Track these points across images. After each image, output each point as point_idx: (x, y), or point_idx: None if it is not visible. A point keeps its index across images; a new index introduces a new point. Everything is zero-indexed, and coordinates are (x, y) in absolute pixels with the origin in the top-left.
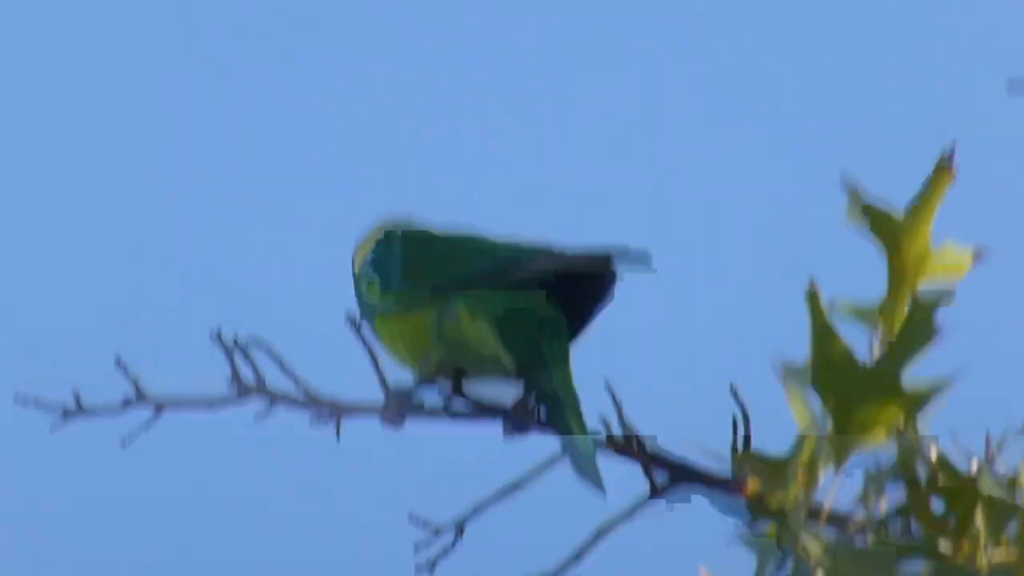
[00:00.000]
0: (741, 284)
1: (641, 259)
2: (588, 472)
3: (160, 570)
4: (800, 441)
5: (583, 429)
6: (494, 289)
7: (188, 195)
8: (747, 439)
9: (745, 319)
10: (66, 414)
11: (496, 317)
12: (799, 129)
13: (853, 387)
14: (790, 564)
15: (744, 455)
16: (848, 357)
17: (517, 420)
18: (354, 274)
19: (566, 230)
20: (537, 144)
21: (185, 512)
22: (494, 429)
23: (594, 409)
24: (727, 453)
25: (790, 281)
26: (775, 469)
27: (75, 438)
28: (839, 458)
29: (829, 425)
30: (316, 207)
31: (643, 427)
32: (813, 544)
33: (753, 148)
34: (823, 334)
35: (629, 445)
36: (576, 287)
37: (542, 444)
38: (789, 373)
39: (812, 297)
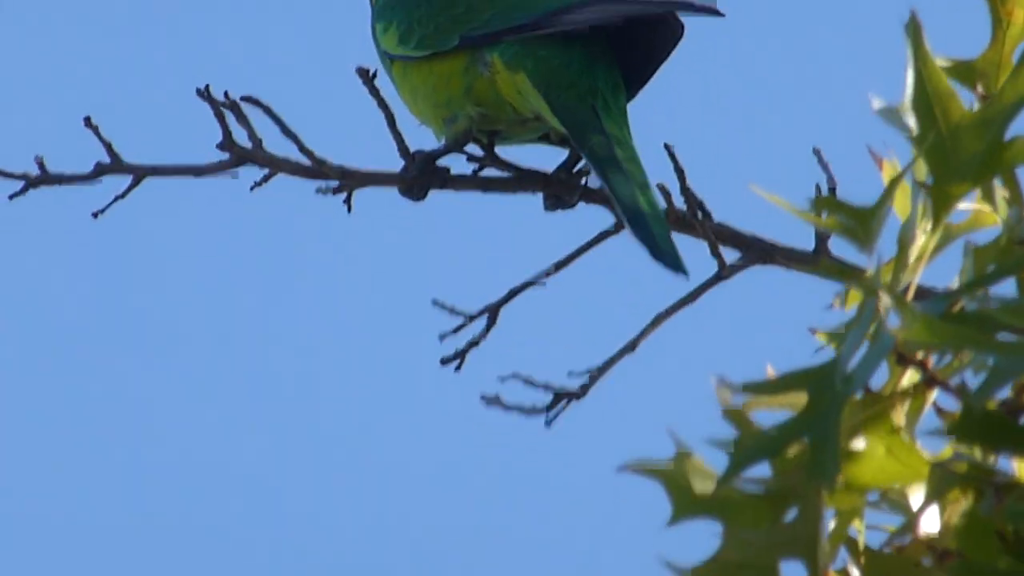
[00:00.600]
0: (822, 39)
1: (708, 7)
2: (662, 249)
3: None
4: (890, 187)
5: (651, 199)
6: (537, 39)
7: None
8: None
9: (828, 79)
10: (29, 183)
11: (541, 71)
12: None
13: (954, 130)
14: (872, 338)
15: (823, 199)
16: (950, 94)
17: (561, 189)
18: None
19: None
20: None
21: (168, 296)
22: (533, 201)
23: (651, 178)
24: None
25: (875, 43)
26: (861, 218)
27: (39, 209)
28: (937, 213)
29: (924, 172)
30: None
31: (710, 199)
32: (899, 306)
33: None
34: (924, 67)
35: (693, 218)
36: (634, 38)
37: (589, 217)
38: (886, 112)
39: (913, 27)
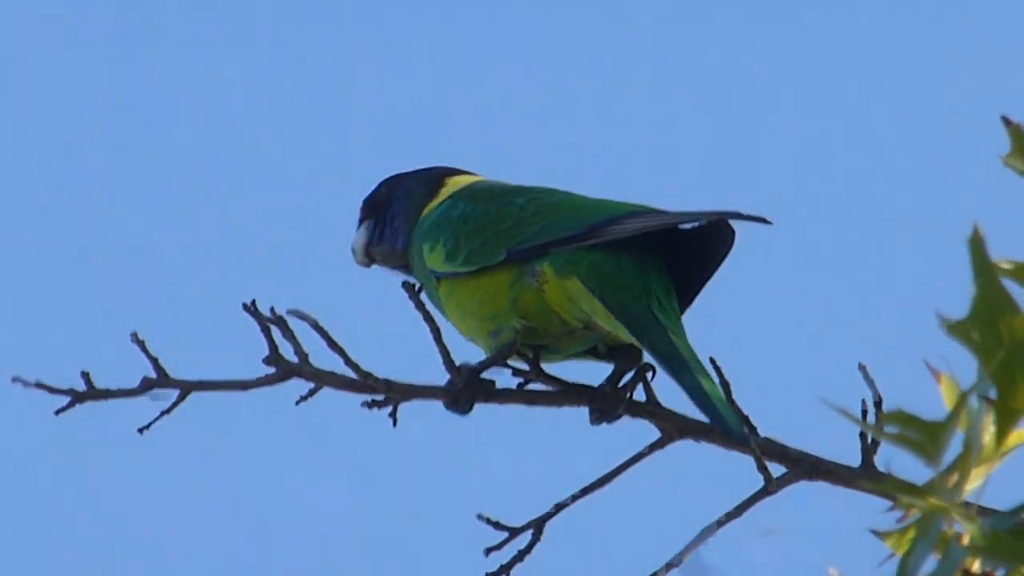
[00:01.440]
0: (874, 251)
1: (755, 216)
2: (733, 430)
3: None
4: (960, 402)
5: (715, 385)
6: (587, 248)
7: (210, 157)
8: (879, 425)
9: (876, 292)
10: (76, 397)
11: (594, 275)
12: (948, 67)
13: (1019, 345)
14: (937, 553)
15: (894, 414)
16: (1015, 308)
17: (606, 403)
18: (429, 204)
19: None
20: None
21: (216, 510)
22: (579, 414)
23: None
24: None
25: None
26: (930, 432)
27: (85, 425)
28: (1002, 428)
29: (990, 390)
30: (355, 167)
31: (757, 415)
32: (967, 521)
33: (896, 94)
34: (988, 283)
35: (739, 433)
36: (686, 248)
37: (633, 431)
38: (956, 330)
39: (976, 242)
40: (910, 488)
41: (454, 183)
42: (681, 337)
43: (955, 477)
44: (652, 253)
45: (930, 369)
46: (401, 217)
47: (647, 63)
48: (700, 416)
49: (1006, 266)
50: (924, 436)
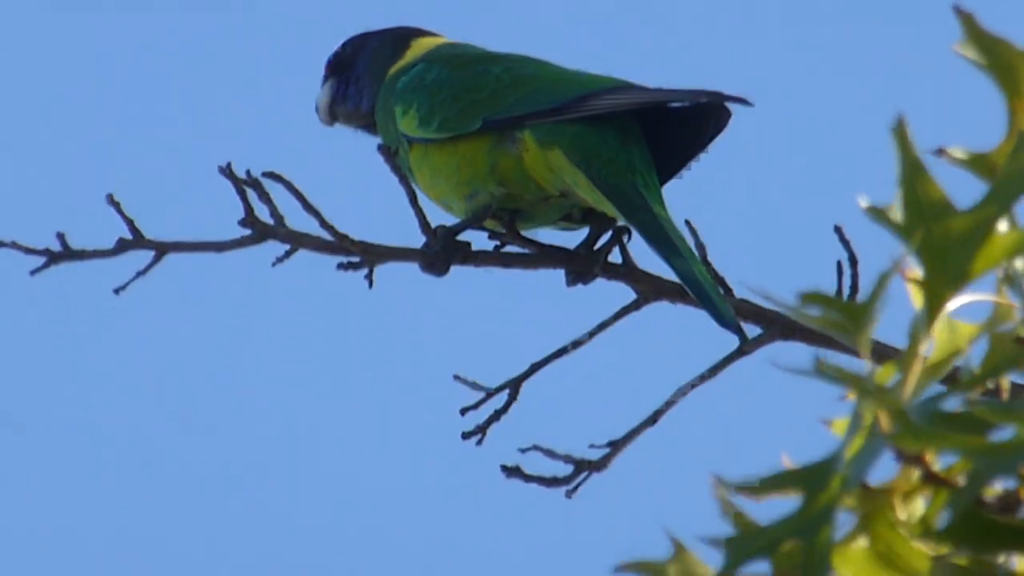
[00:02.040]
0: (841, 129)
1: (737, 97)
2: (724, 316)
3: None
4: (880, 283)
5: (703, 270)
6: (568, 121)
7: (183, 20)
8: (854, 286)
9: (845, 167)
10: (52, 258)
11: (577, 147)
12: None
13: (944, 229)
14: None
15: (813, 295)
16: (939, 195)
17: (582, 265)
18: (394, 65)
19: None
20: None
21: (190, 373)
22: (554, 276)
23: None
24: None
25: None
26: (852, 314)
27: (61, 284)
28: (931, 308)
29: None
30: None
31: (732, 275)
32: (889, 407)
33: None
34: (911, 170)
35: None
36: (671, 124)
37: (609, 292)
38: (876, 213)
39: (899, 131)
40: (846, 375)
41: (420, 44)
42: (666, 216)
43: (903, 364)
44: (632, 126)
45: (898, 269)
46: (366, 77)
47: None
48: (676, 278)
49: (960, 155)
50: (846, 317)
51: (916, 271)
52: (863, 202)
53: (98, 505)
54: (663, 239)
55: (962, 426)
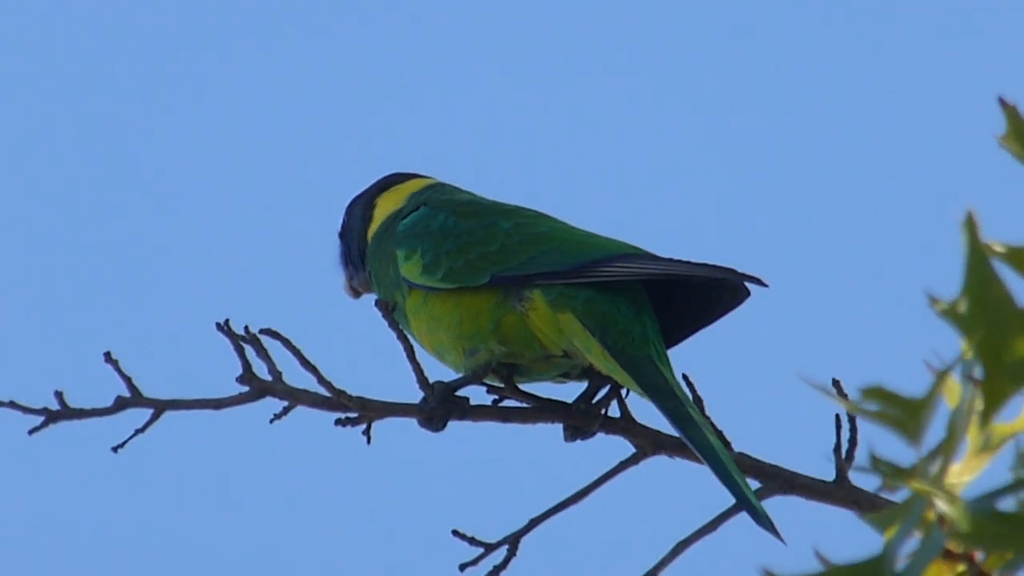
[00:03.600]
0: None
1: (752, 277)
2: (756, 508)
3: None
4: (940, 378)
5: (724, 449)
6: (578, 283)
7: (183, 175)
8: (852, 440)
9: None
10: (50, 416)
11: (591, 314)
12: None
13: (1006, 327)
14: (920, 535)
15: (873, 389)
16: (1004, 292)
17: (580, 420)
18: (369, 228)
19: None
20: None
21: (193, 529)
22: (553, 431)
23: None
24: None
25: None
26: (909, 410)
27: (60, 444)
28: (987, 408)
29: (977, 371)
30: (327, 183)
31: (730, 430)
32: (949, 504)
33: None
34: (978, 265)
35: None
36: (682, 294)
37: (608, 447)
38: (942, 308)
39: (969, 225)
40: (897, 470)
41: (387, 197)
42: (682, 390)
43: (940, 460)
44: (642, 293)
45: (928, 367)
46: (353, 244)
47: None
48: (673, 432)
49: (999, 249)
50: (903, 413)
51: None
52: (934, 301)
53: None
54: (683, 416)
55: (1018, 525)
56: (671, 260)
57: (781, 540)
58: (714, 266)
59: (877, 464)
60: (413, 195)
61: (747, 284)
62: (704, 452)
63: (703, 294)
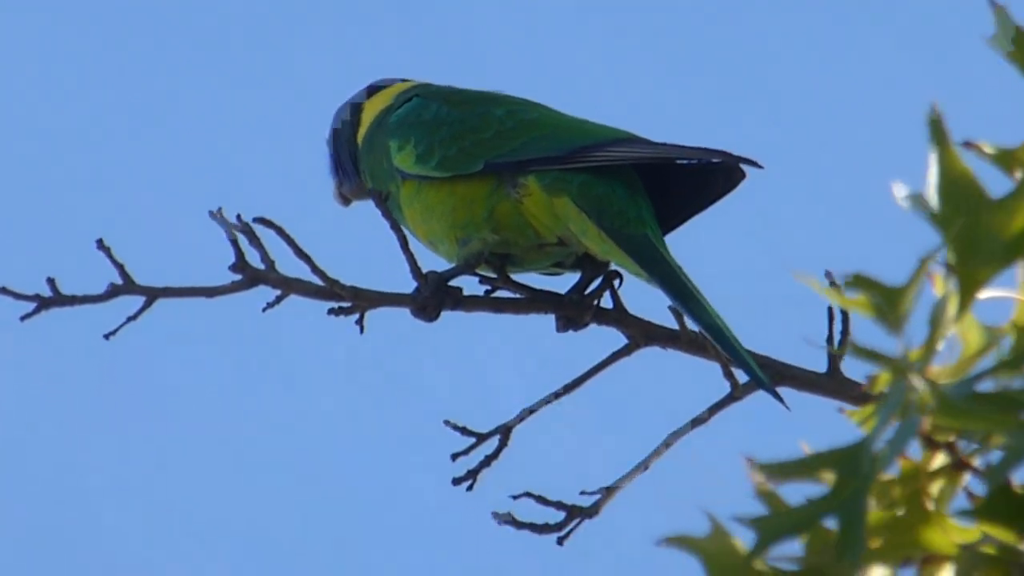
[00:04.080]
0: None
1: (746, 159)
2: (761, 379)
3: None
4: (920, 268)
5: (728, 325)
6: (572, 171)
7: (179, 66)
8: (845, 331)
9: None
10: (42, 303)
11: (587, 197)
12: None
13: (978, 218)
14: (899, 419)
15: (856, 278)
16: (973, 184)
17: (573, 311)
18: (358, 132)
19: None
20: None
21: (180, 418)
22: (545, 321)
23: (664, 300)
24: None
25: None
26: (892, 298)
27: (52, 329)
28: (964, 295)
29: (952, 260)
30: (320, 74)
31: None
32: (925, 388)
33: None
34: (946, 158)
35: (707, 340)
36: (675, 177)
37: (600, 338)
38: (914, 201)
39: (935, 122)
40: (878, 355)
41: (373, 102)
42: (681, 268)
43: (923, 349)
44: (636, 178)
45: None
46: (343, 149)
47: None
48: (666, 323)
49: (988, 150)
50: (885, 301)
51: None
52: (900, 190)
53: (79, 537)
54: (686, 292)
55: (997, 406)
56: (665, 144)
57: (787, 408)
58: (708, 149)
59: (858, 351)
60: (401, 94)
61: (742, 166)
62: (709, 327)
63: (697, 179)
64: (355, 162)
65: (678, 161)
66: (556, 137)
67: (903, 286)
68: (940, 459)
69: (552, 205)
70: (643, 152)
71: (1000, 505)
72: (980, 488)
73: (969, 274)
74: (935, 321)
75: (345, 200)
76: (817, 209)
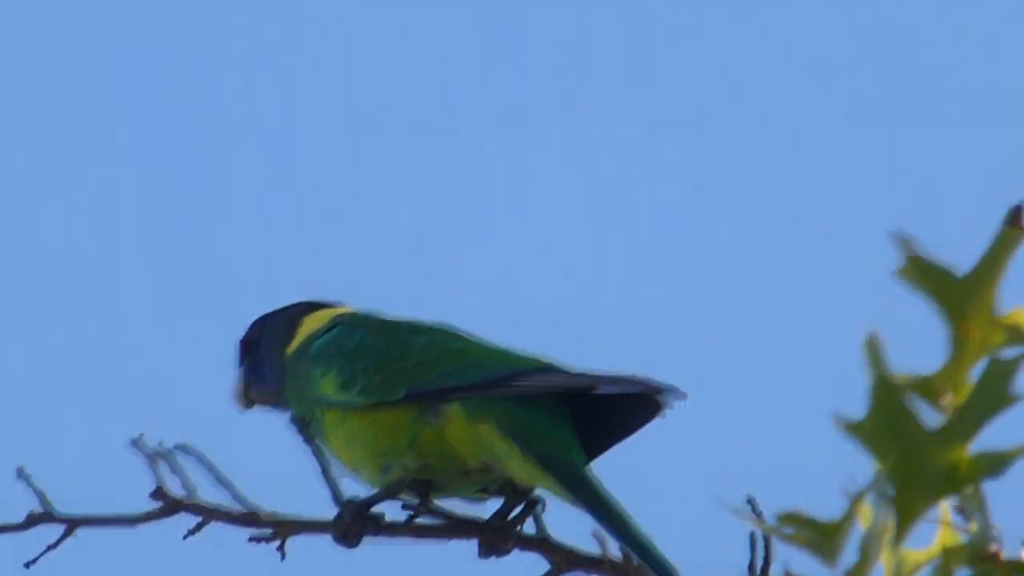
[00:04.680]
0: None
1: (671, 387)
2: None
3: None
4: (854, 504)
5: (649, 539)
6: (495, 398)
7: (105, 283)
8: (767, 558)
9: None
10: None
11: (511, 423)
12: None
13: (916, 450)
14: None
15: (789, 515)
16: (910, 416)
17: (496, 537)
18: (289, 347)
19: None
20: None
21: None
22: (467, 547)
23: (586, 525)
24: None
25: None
26: (825, 533)
27: None
28: (901, 525)
29: (888, 490)
30: (242, 296)
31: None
32: None
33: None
34: (883, 389)
35: (629, 566)
36: (597, 407)
37: (523, 564)
38: (851, 429)
39: (871, 347)
40: None
41: (312, 319)
42: (605, 489)
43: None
44: (561, 408)
45: (844, 491)
46: (270, 357)
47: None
48: (589, 549)
49: (901, 381)
50: (819, 537)
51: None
52: (842, 422)
53: None
54: (615, 514)
55: None
56: (584, 375)
57: None
58: (629, 379)
59: None
60: (334, 318)
61: (664, 396)
62: (640, 545)
63: (620, 406)
64: (280, 371)
65: (601, 391)
66: (478, 366)
67: (837, 521)
68: None
69: (475, 431)
70: (564, 382)
71: None
72: None
73: (907, 505)
74: (865, 553)
75: (248, 402)
76: (746, 431)
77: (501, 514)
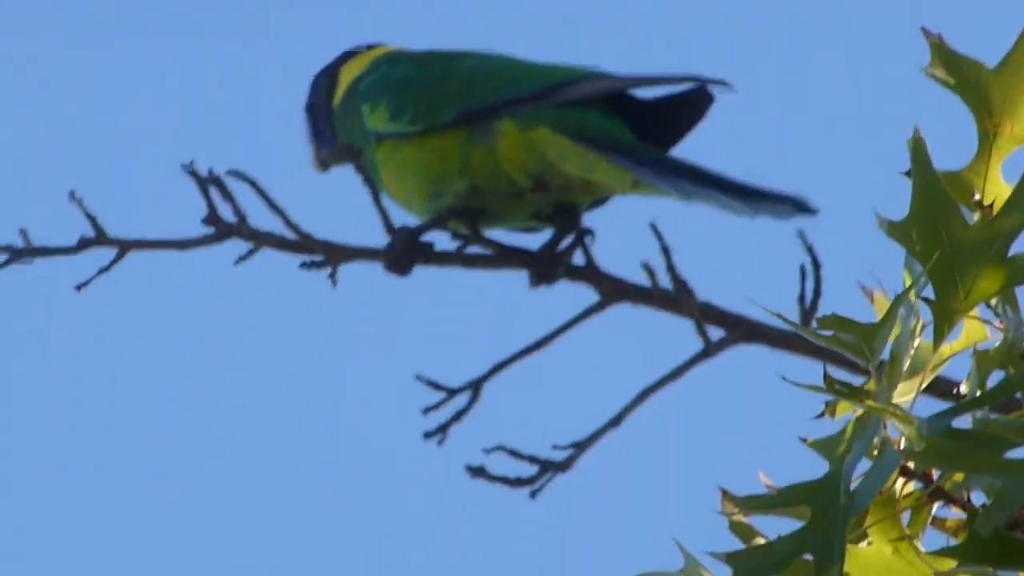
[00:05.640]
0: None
1: (717, 80)
2: (785, 195)
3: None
4: (894, 305)
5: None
6: (547, 108)
7: (154, 16)
8: (817, 290)
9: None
10: (14, 254)
11: (563, 121)
12: None
13: (957, 247)
14: (874, 451)
15: (830, 318)
16: (955, 213)
17: (544, 267)
18: (334, 97)
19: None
20: None
21: (151, 372)
22: (517, 277)
23: (636, 256)
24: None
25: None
26: (864, 335)
27: (23, 283)
28: (939, 327)
29: (929, 291)
30: (301, 30)
31: (696, 279)
32: (904, 425)
33: None
34: (927, 183)
35: (679, 297)
36: (654, 113)
37: (572, 294)
38: (890, 228)
39: (917, 145)
40: (848, 390)
41: (352, 65)
42: (669, 155)
43: (886, 380)
44: (609, 110)
45: (863, 289)
46: (320, 115)
47: None
48: (639, 280)
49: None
50: (859, 338)
51: (883, 296)
52: (884, 222)
53: (53, 505)
54: (686, 167)
55: (975, 444)
56: (634, 76)
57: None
58: (677, 75)
59: (830, 384)
60: (375, 60)
61: (711, 89)
62: (711, 195)
63: (667, 115)
64: (332, 127)
65: (645, 98)
66: (526, 79)
67: (877, 324)
68: (912, 486)
69: (528, 140)
70: (611, 84)
71: (979, 545)
72: (950, 513)
73: (946, 307)
74: (897, 355)
75: (324, 166)
76: (794, 133)
77: (551, 245)
